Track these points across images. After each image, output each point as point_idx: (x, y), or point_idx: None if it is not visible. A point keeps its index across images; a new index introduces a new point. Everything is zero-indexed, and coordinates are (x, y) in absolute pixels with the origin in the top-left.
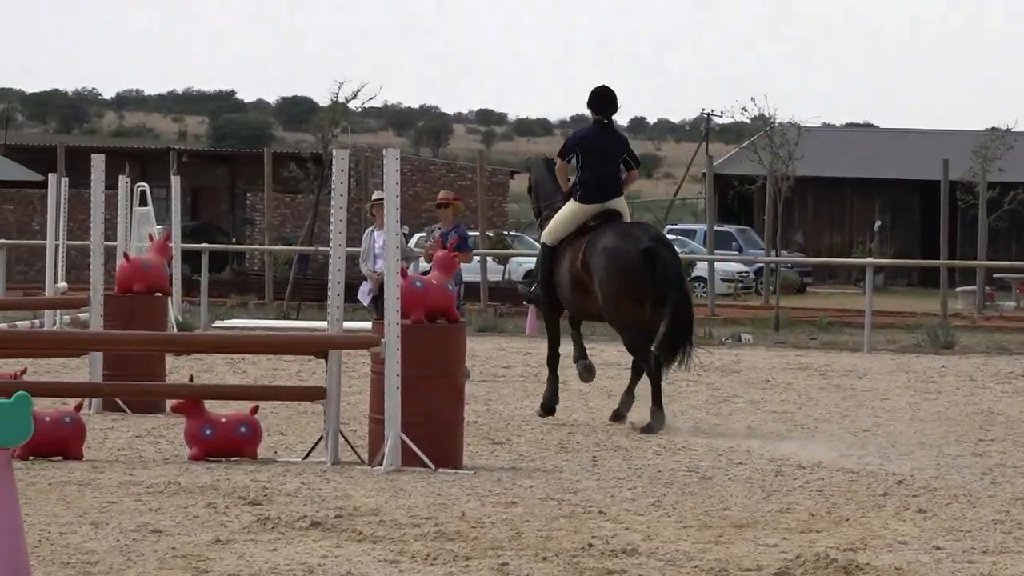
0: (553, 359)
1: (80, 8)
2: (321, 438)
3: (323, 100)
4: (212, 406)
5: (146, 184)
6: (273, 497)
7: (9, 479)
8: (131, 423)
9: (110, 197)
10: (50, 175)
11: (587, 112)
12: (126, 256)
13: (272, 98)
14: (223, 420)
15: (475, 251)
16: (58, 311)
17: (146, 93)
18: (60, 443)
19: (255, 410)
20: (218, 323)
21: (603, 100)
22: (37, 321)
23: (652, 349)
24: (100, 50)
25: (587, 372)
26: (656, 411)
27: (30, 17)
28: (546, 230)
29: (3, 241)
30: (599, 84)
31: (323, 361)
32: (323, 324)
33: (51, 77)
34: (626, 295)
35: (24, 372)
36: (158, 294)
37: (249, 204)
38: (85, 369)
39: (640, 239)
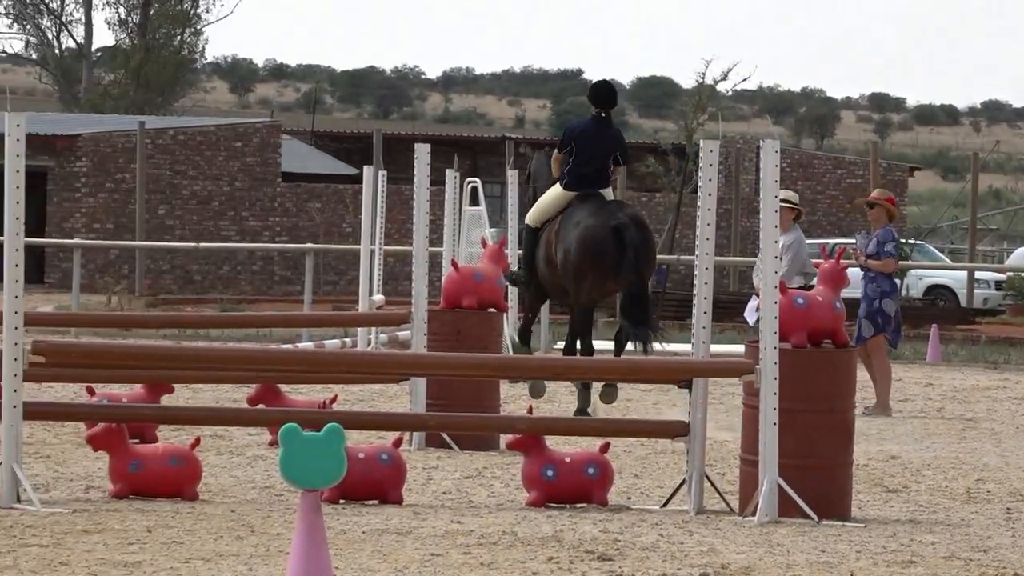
0: (525, 335)
1: None
2: (683, 482)
3: (686, 82)
4: (554, 443)
5: (478, 180)
6: (626, 551)
7: (318, 525)
8: (459, 462)
9: (435, 194)
10: (365, 168)
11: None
12: (454, 264)
13: (626, 79)
14: (567, 460)
15: None
16: (373, 329)
17: (477, 72)
18: (376, 485)
19: (605, 448)
20: (560, 344)
21: (602, 93)
22: (349, 340)
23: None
24: (424, 23)
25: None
26: (583, 392)
27: None
28: (530, 212)
29: (309, 245)
30: (600, 79)
31: (686, 391)
32: (686, 347)
33: (367, 53)
34: (593, 267)
35: (335, 400)
36: (492, 310)
37: None
38: (405, 398)
39: (615, 216)
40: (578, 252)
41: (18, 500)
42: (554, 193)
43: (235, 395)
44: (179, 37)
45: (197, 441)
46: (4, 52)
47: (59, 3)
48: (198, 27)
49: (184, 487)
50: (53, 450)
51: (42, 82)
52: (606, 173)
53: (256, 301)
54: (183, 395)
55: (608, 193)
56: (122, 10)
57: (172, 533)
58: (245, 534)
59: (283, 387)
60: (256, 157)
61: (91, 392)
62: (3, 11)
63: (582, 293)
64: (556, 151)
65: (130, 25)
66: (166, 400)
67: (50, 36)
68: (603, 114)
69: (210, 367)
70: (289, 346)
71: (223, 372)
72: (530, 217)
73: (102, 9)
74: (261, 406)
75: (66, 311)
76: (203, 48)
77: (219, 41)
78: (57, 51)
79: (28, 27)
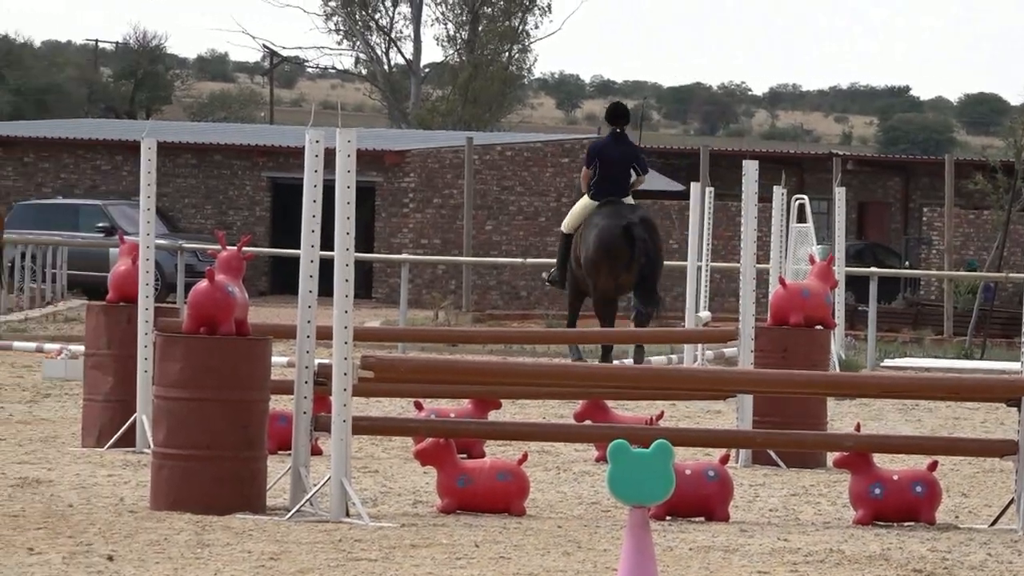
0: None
1: None
2: (1012, 501)
3: (1015, 98)
4: (881, 461)
5: (805, 196)
6: (954, 571)
7: (646, 542)
8: (786, 479)
9: (762, 211)
10: (692, 184)
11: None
12: (782, 281)
13: (954, 95)
14: (895, 478)
15: None
16: (700, 345)
17: (803, 89)
18: (703, 501)
19: (933, 467)
20: (887, 362)
21: (616, 113)
22: (675, 357)
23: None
24: (751, 39)
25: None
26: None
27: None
28: (564, 220)
29: None
30: (615, 100)
31: (1014, 409)
32: (1014, 365)
33: (693, 69)
34: (605, 261)
35: (661, 416)
36: (819, 327)
37: (926, 221)
38: (731, 414)
39: (626, 217)
40: (595, 247)
41: (347, 514)
42: (582, 203)
43: (562, 411)
44: (507, 53)
45: (524, 456)
46: (334, 68)
47: (388, 20)
48: (526, 44)
49: (511, 502)
50: (381, 464)
51: (371, 98)
52: (626, 183)
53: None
54: (510, 410)
55: (628, 200)
56: (451, 27)
57: (499, 548)
58: (572, 550)
59: (609, 403)
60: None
61: (419, 407)
62: (333, 28)
63: (600, 282)
64: (584, 168)
65: (458, 42)
66: (493, 415)
67: (379, 53)
68: (619, 131)
69: (536, 383)
70: (616, 363)
71: (549, 388)
72: (564, 224)
73: (431, 26)
74: (588, 422)
75: (393, 326)
76: (531, 65)
77: (546, 57)
78: (386, 67)
79: (357, 44)
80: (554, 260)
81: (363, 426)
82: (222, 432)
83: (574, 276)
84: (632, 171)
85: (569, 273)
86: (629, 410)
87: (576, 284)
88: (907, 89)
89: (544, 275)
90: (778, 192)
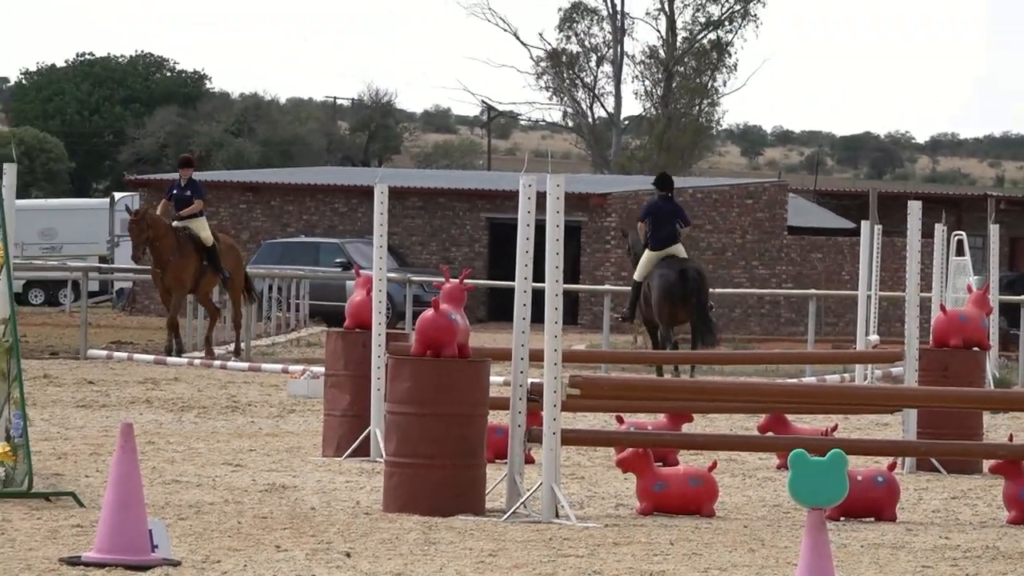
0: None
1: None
2: None
3: None
4: None
5: (963, 233)
6: None
7: (823, 540)
8: (946, 484)
9: (925, 246)
10: (862, 222)
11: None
12: (942, 308)
13: None
14: None
15: None
16: (870, 365)
17: (961, 137)
18: (872, 504)
19: None
20: None
21: (664, 181)
22: (847, 375)
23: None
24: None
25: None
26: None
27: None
28: (635, 272)
29: (812, 291)
30: (662, 172)
31: None
32: None
33: (863, 119)
34: (667, 300)
35: (835, 429)
36: (976, 349)
37: None
38: (898, 427)
39: (680, 265)
40: (658, 290)
41: (556, 515)
42: (647, 256)
43: (747, 424)
44: (697, 107)
45: (714, 464)
46: (544, 121)
47: (592, 78)
48: (715, 98)
49: (703, 505)
50: (587, 472)
51: (576, 147)
52: (675, 233)
53: (764, 341)
54: (700, 424)
55: (679, 247)
56: (648, 83)
57: (692, 546)
58: (757, 547)
59: (789, 416)
60: (765, 213)
61: (620, 421)
62: (544, 85)
63: (663, 318)
64: (639, 222)
65: (655, 97)
66: (686, 428)
67: (584, 107)
68: (668, 194)
69: (724, 399)
70: (794, 380)
71: (735, 403)
72: (636, 274)
73: (630, 83)
74: (770, 433)
75: (597, 349)
76: (719, 117)
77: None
78: (590, 120)
79: (565, 99)
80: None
81: (570, 437)
82: (446, 443)
83: (645, 315)
84: (678, 224)
85: (639, 312)
86: (806, 423)
87: (648, 320)
88: None
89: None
90: (939, 229)
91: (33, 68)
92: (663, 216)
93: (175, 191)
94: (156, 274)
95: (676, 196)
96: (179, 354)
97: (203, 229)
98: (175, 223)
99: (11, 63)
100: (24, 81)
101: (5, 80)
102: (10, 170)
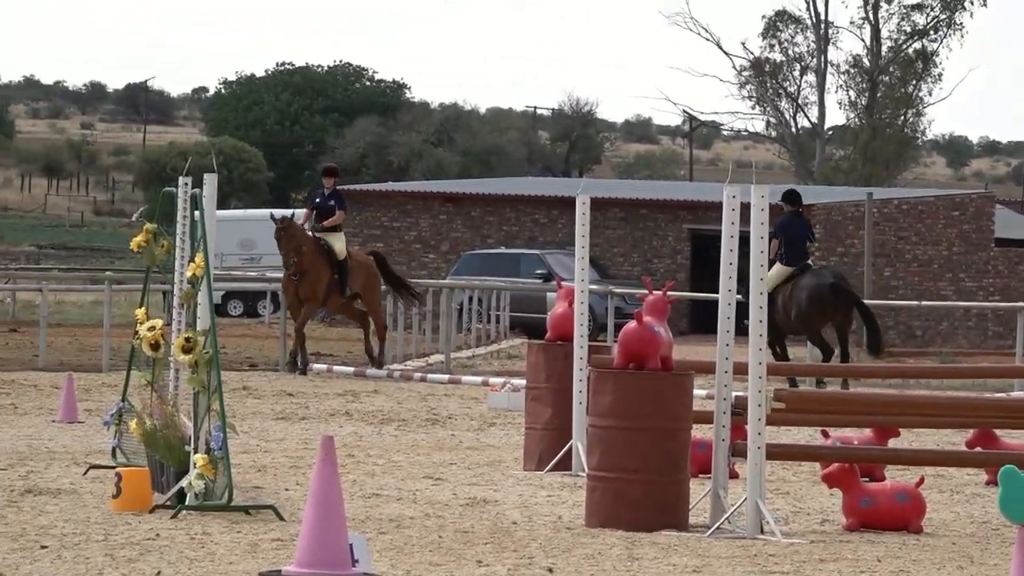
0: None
1: None
2: None
3: None
4: None
5: None
6: None
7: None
8: None
9: None
10: None
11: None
12: None
13: None
14: None
15: None
16: None
17: None
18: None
19: None
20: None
21: (793, 197)
22: None
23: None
24: None
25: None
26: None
27: None
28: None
29: (1020, 304)
30: (789, 188)
31: None
32: None
33: None
34: (817, 313)
35: None
36: None
37: None
38: None
39: (827, 277)
40: (808, 302)
41: (761, 531)
42: (776, 269)
43: (954, 439)
44: (903, 117)
45: (922, 480)
46: (746, 131)
47: (796, 88)
48: (920, 108)
49: (910, 521)
50: (792, 487)
51: (779, 157)
52: (805, 249)
53: (971, 354)
54: (907, 438)
55: (812, 263)
56: (852, 93)
57: (899, 563)
58: (965, 564)
59: (998, 432)
60: (971, 224)
61: (825, 435)
62: (746, 95)
63: (813, 326)
64: (771, 240)
65: (859, 106)
66: (893, 443)
67: (787, 117)
68: (798, 210)
69: (931, 414)
70: (1002, 395)
71: (943, 418)
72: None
73: (834, 92)
74: (978, 449)
75: (801, 362)
76: (925, 128)
77: (938, 120)
78: (793, 130)
79: (768, 109)
80: None
81: (775, 452)
82: (649, 457)
83: (778, 323)
84: (808, 240)
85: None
86: (1016, 439)
87: (777, 331)
88: None
89: None
90: None
91: (232, 78)
92: (795, 233)
93: (318, 200)
94: (291, 283)
95: (884, 207)
96: (304, 366)
97: (338, 241)
98: (317, 234)
99: (211, 73)
100: (223, 91)
101: (204, 90)
102: (210, 180)
